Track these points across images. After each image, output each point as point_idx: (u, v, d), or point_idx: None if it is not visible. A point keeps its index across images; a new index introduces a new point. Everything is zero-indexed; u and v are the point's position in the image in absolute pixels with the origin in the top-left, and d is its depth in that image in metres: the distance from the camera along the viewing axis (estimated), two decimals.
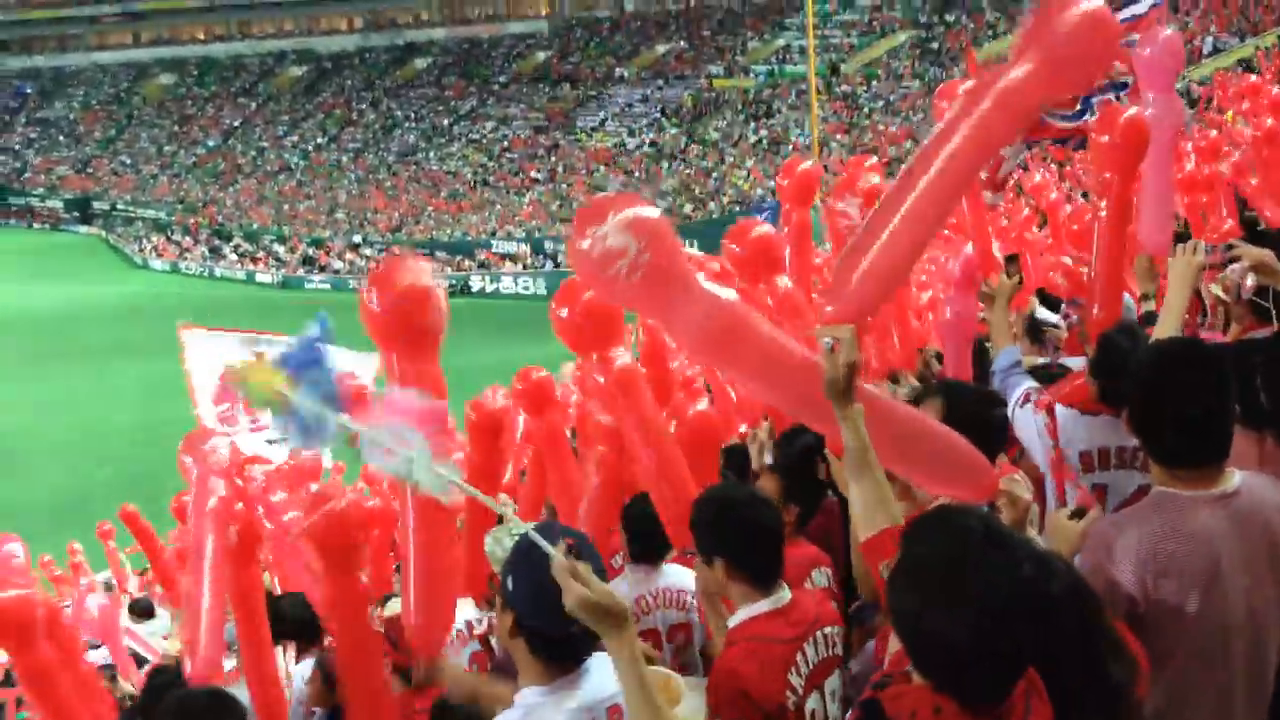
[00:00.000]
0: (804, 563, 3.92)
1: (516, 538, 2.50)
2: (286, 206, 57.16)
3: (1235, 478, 2.69)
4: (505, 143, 56.82)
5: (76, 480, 22.59)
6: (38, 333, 39.04)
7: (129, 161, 66.47)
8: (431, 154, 58.47)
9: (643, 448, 3.99)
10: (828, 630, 3.11)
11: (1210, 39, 36.89)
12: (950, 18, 50.08)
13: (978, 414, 3.40)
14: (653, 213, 2.77)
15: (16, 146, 71.45)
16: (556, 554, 2.27)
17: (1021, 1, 47.59)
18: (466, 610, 4.39)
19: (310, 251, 51.67)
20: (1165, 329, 3.45)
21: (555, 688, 2.49)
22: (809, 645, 3.03)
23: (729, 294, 2.84)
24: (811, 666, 3.02)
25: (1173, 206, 5.39)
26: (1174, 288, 3.49)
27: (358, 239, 51.71)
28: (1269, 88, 15.81)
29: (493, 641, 4.28)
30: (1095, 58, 3.18)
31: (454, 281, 45.52)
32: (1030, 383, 3.94)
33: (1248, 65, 30.31)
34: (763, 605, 3.05)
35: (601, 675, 2.50)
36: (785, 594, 3.09)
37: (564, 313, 3.93)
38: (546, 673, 2.50)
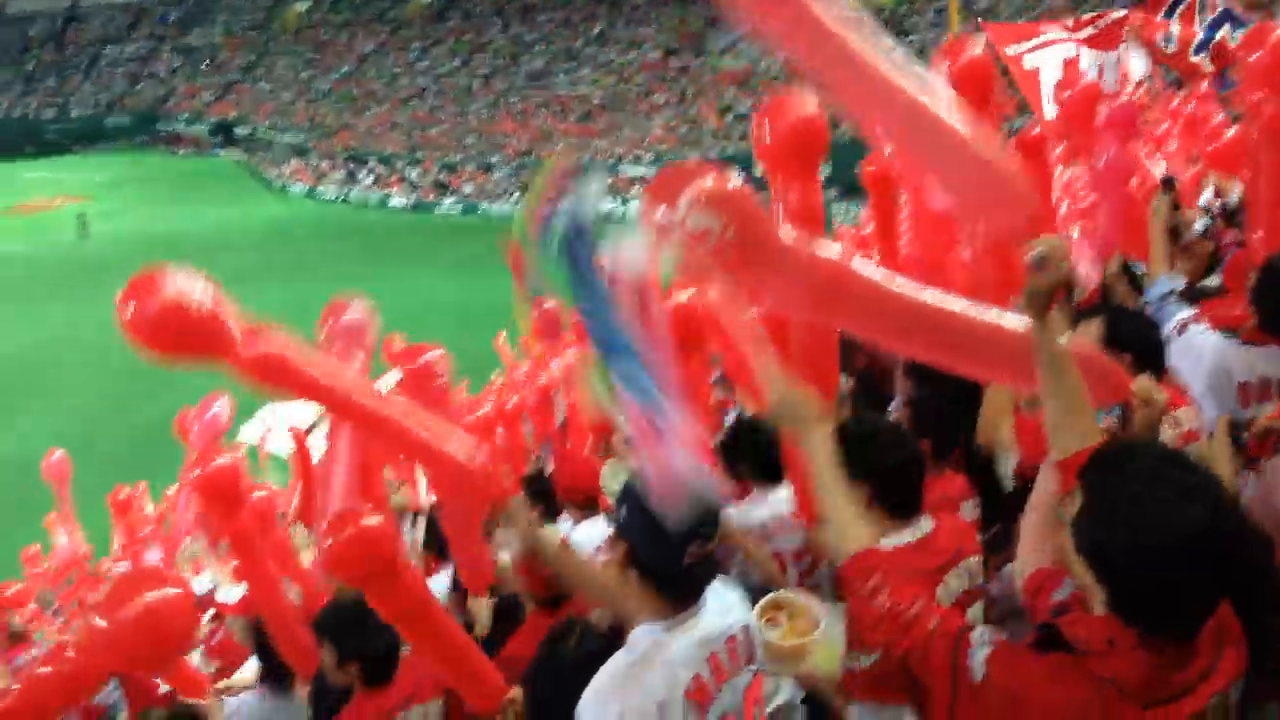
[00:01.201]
0: (955, 496, 3.76)
1: (627, 475, 2.48)
2: (418, 132, 57.84)
3: None
4: (634, 66, 56.27)
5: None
6: (184, 257, 40.27)
7: (269, 88, 68.00)
8: (560, 77, 58.31)
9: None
10: (971, 561, 3.05)
11: None
12: None
13: (1139, 334, 3.39)
14: (730, 183, 2.56)
15: (162, 74, 73.70)
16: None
17: None
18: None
19: (441, 176, 52.25)
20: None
21: (671, 624, 2.47)
22: (952, 577, 2.98)
23: (830, 249, 2.65)
24: (954, 598, 2.96)
25: None
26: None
27: (489, 162, 52.06)
28: None
29: None
30: None
31: None
32: (1186, 311, 3.77)
33: None
34: (904, 536, 2.99)
35: (718, 608, 2.54)
36: (927, 525, 3.04)
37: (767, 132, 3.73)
38: (662, 608, 2.48)
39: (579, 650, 2.90)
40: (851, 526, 2.36)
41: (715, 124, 48.91)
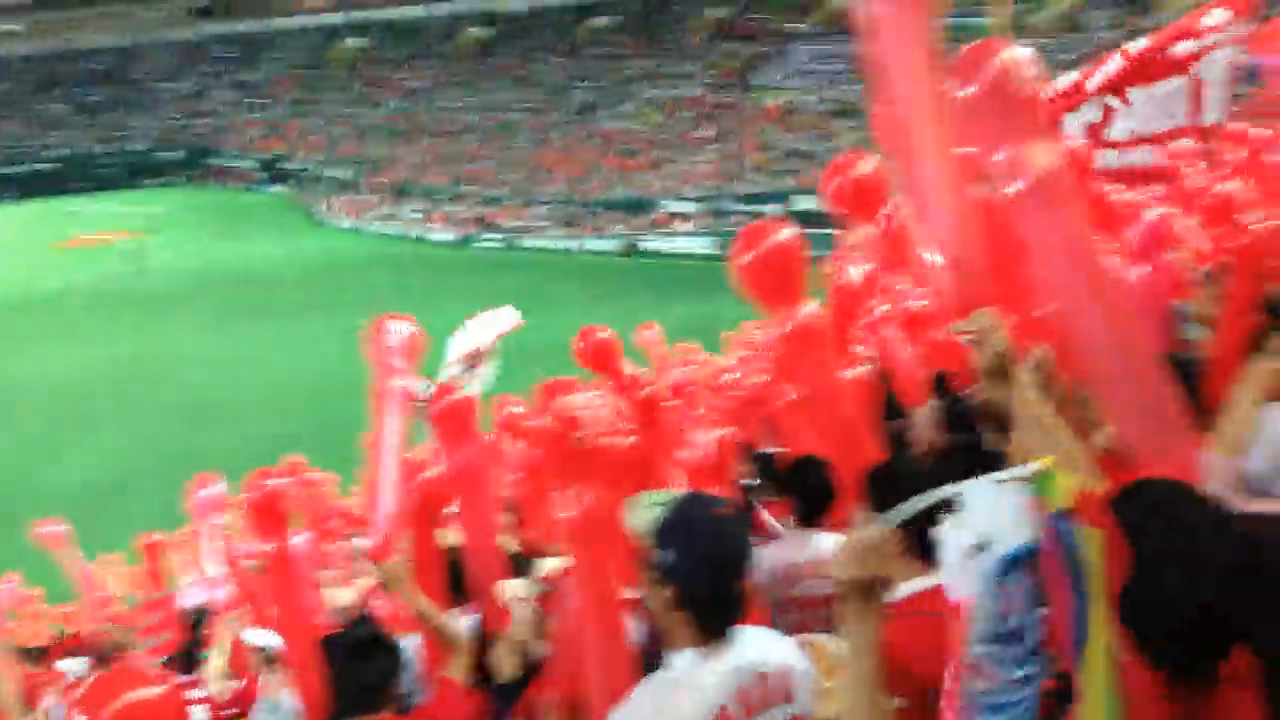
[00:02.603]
0: None
1: (654, 507, 2.57)
2: (463, 167, 58.45)
3: None
4: (679, 103, 56.60)
5: (272, 430, 23.37)
6: (229, 289, 41.10)
7: (319, 123, 69.09)
8: (605, 112, 58.76)
9: (817, 405, 3.88)
10: None
11: None
12: None
13: None
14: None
15: (218, 109, 75.15)
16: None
17: None
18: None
19: (483, 211, 52.69)
20: None
21: (708, 651, 2.52)
22: None
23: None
24: None
25: None
26: None
27: (529, 198, 52.47)
28: None
29: None
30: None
31: (626, 241, 45.73)
32: None
33: None
34: (930, 579, 2.84)
35: (751, 642, 2.58)
36: None
37: (746, 259, 3.93)
38: (701, 637, 2.52)
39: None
40: None
41: (758, 160, 48.99)
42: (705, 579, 2.48)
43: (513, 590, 4.23)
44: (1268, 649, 1.88)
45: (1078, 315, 2.87)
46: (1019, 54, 2.88)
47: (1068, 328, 2.90)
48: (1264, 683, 1.88)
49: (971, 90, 2.87)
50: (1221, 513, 1.91)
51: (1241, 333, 3.74)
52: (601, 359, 5.58)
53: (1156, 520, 1.90)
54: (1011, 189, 2.83)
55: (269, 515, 4.72)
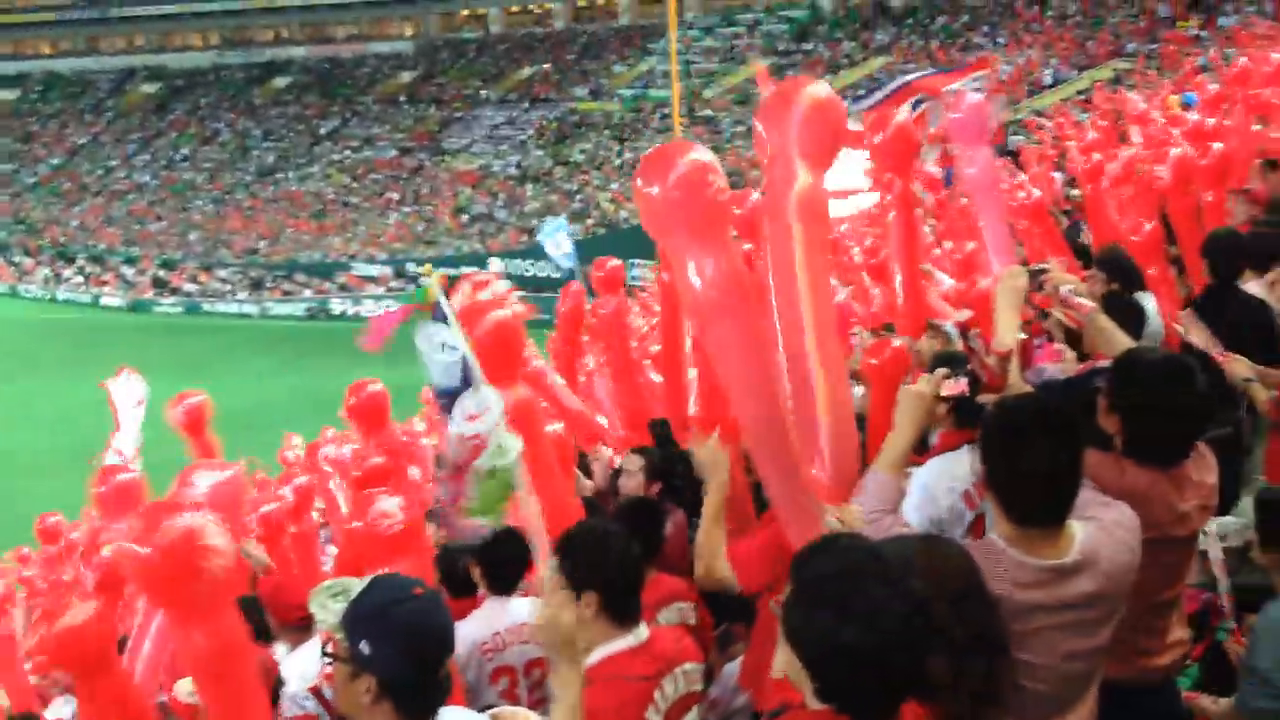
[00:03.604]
0: (665, 598, 3.93)
1: (340, 597, 2.44)
2: (137, 227, 55.22)
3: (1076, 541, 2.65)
4: (368, 164, 55.97)
5: None
6: None
7: None
8: (291, 174, 57.20)
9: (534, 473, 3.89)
10: (688, 667, 3.13)
11: (1050, 71, 38.63)
12: (808, 46, 51.32)
13: None
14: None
15: None
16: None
17: (875, 31, 49.27)
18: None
19: (161, 273, 49.96)
20: (1003, 337, 3.51)
21: None
22: (668, 682, 3.05)
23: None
24: (670, 703, 3.04)
25: (1010, 241, 5.67)
26: (1000, 309, 3.55)
27: (211, 261, 50.25)
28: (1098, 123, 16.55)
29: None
30: (834, 139, 3.36)
31: (313, 304, 44.59)
32: None
33: (1087, 98, 31.74)
34: (622, 642, 3.05)
35: None
36: (644, 631, 3.11)
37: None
38: None
39: None
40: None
41: (451, 223, 49.16)
42: (407, 665, 2.38)
43: None
44: (937, 698, 2.15)
45: (744, 409, 3.12)
46: (703, 157, 3.03)
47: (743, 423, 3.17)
48: None
49: (658, 191, 3.00)
50: (894, 573, 2.04)
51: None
52: (372, 415, 5.31)
53: (835, 579, 2.05)
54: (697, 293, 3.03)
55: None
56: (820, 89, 3.27)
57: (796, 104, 3.22)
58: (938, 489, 3.46)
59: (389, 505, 3.39)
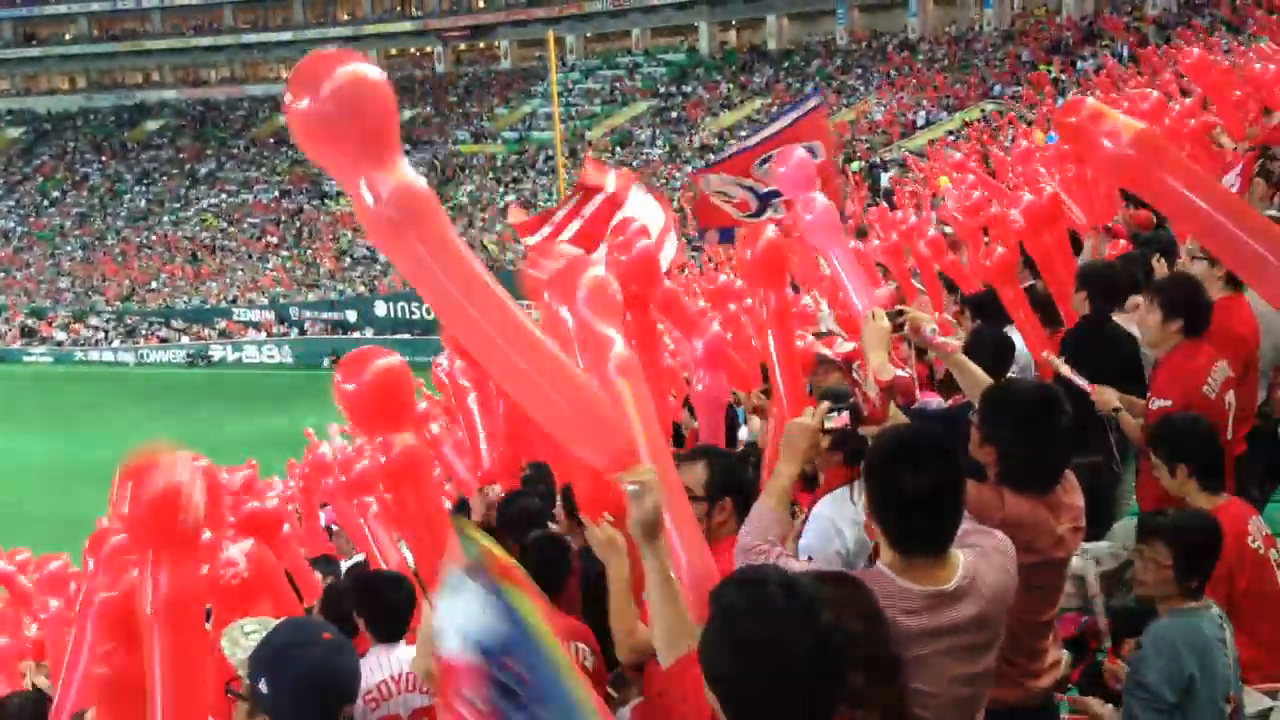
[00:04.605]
0: (563, 636, 3.88)
1: (254, 635, 2.46)
2: (2, 275, 53.19)
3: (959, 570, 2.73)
4: (245, 207, 54.91)
5: None
6: None
7: None
8: (165, 219, 55.78)
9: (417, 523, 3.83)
10: None
11: (923, 113, 39.98)
12: (687, 88, 52.19)
13: None
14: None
15: None
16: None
17: (752, 74, 50.36)
18: None
19: (29, 322, 48.15)
20: (872, 377, 3.59)
21: None
22: None
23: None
24: None
25: (864, 279, 5.72)
26: (868, 350, 3.61)
27: (83, 308, 48.63)
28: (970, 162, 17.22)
29: None
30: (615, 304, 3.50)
31: (193, 351, 43.47)
32: None
33: (956, 136, 32.89)
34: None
35: None
36: None
37: (349, 387, 3.59)
38: None
39: None
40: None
41: (333, 266, 48.48)
42: (301, 709, 2.40)
43: None
44: None
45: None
46: (367, 71, 2.79)
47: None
48: None
49: (308, 105, 2.81)
50: (805, 605, 2.05)
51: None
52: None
53: (749, 612, 2.05)
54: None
55: None
56: (596, 270, 3.48)
57: (580, 281, 3.38)
58: (840, 520, 3.54)
59: (234, 553, 3.31)
